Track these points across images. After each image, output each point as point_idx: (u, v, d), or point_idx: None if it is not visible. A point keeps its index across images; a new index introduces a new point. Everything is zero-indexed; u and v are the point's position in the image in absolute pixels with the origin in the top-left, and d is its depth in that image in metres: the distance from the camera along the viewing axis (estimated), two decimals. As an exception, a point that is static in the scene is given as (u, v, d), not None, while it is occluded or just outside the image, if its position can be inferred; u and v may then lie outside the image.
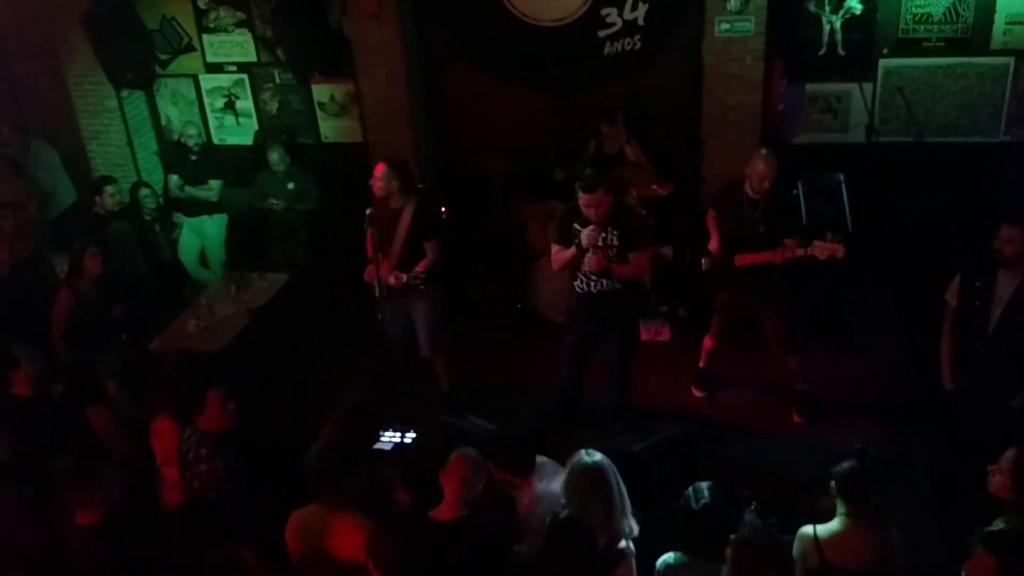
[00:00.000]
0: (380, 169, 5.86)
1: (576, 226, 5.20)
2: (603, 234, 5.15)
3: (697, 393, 6.38)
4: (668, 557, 3.76)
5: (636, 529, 3.81)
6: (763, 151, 5.72)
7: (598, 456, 3.83)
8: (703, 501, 3.73)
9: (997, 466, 3.85)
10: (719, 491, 3.83)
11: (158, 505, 4.77)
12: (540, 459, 4.29)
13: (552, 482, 4.15)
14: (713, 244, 5.89)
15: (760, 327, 5.97)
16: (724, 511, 3.79)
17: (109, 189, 7.44)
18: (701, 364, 6.33)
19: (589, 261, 5.10)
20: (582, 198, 5.08)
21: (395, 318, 6.01)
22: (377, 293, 5.70)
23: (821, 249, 5.42)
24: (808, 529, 3.80)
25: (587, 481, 3.77)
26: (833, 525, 3.76)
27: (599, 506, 3.73)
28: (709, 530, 3.67)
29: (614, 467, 3.84)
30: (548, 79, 7.86)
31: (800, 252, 5.49)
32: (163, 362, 5.47)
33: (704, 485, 3.84)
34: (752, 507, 4.55)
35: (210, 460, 4.38)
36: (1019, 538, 3.39)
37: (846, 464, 3.81)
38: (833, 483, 3.81)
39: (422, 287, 5.88)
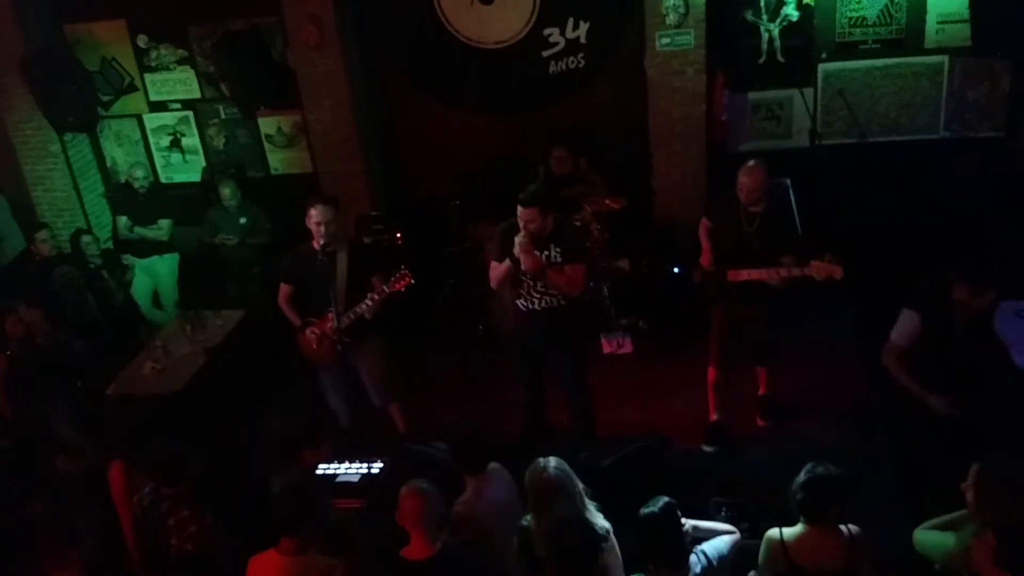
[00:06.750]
0: (318, 212, 5.42)
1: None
2: (546, 252, 5.17)
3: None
4: None
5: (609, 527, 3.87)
6: (749, 162, 5.43)
7: (553, 461, 3.89)
8: (649, 510, 3.66)
9: (967, 483, 3.75)
10: (672, 505, 3.72)
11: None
12: (494, 466, 4.32)
13: (500, 490, 4.23)
14: (705, 258, 5.70)
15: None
16: (667, 523, 3.67)
17: (40, 235, 7.30)
18: (711, 406, 5.94)
19: (524, 261, 5.12)
20: (519, 211, 5.10)
21: (336, 382, 5.88)
22: (339, 347, 5.60)
23: (819, 270, 5.15)
24: (774, 532, 3.83)
25: (551, 486, 3.82)
26: (796, 528, 3.79)
27: (570, 506, 3.79)
28: (654, 540, 3.65)
29: (569, 468, 3.90)
30: (494, 101, 7.91)
31: (796, 272, 5.27)
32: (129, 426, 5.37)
33: (662, 498, 3.74)
34: (723, 513, 4.59)
35: (198, 520, 4.28)
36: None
37: (801, 477, 3.78)
38: (794, 498, 3.80)
39: (365, 340, 5.70)
